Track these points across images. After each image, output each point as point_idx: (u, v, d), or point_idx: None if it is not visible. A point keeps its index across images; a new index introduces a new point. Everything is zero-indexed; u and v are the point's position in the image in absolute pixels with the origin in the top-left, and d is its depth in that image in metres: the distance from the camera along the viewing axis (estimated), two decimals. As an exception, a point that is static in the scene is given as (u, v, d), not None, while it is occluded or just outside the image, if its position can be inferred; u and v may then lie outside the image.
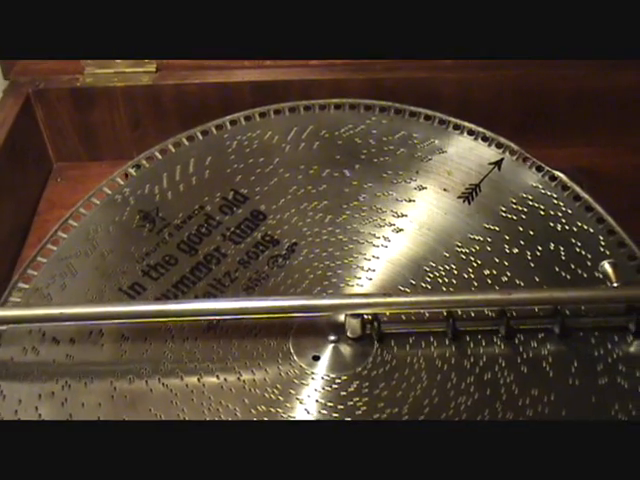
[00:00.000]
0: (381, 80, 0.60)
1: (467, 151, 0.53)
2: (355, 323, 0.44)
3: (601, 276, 0.46)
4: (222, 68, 0.61)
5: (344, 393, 0.43)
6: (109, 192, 0.51)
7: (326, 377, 0.43)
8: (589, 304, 0.45)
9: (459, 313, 0.45)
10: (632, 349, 0.44)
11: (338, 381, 0.43)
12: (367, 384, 0.43)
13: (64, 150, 0.64)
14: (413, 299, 0.45)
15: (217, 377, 0.43)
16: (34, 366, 0.44)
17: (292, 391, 0.43)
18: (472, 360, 0.44)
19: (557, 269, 0.47)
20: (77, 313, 0.43)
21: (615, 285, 0.45)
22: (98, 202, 0.51)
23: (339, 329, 0.45)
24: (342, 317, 0.45)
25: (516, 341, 0.44)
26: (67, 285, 0.47)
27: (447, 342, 0.44)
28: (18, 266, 0.53)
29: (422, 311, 0.45)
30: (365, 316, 0.45)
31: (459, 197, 0.51)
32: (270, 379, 0.43)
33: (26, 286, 0.47)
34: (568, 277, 0.47)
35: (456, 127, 0.54)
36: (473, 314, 0.45)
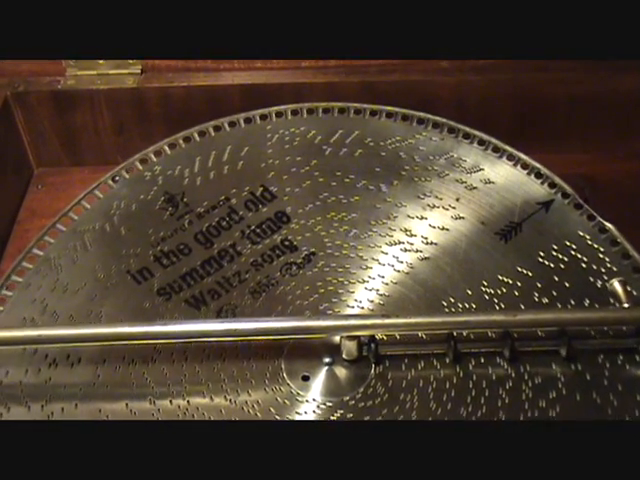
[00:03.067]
0: (375, 83, 0.57)
1: (516, 186, 0.49)
2: (351, 345, 0.42)
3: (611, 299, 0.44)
4: (210, 70, 0.58)
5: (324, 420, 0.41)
6: (140, 168, 0.51)
7: (312, 400, 0.42)
8: (597, 326, 0.43)
9: (463, 334, 0.43)
10: None
11: (322, 407, 0.42)
12: (351, 415, 0.41)
13: (45, 155, 0.61)
14: (412, 320, 0.42)
15: (201, 382, 0.42)
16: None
17: (272, 410, 0.41)
18: (470, 408, 0.41)
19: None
20: (56, 335, 0.41)
21: (626, 306, 0.43)
22: (127, 176, 0.50)
23: (334, 350, 0.43)
24: (338, 338, 0.43)
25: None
26: (78, 259, 0.47)
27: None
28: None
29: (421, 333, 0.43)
30: (362, 337, 0.42)
31: (496, 233, 0.48)
32: (254, 396, 0.42)
33: (40, 253, 0.47)
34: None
35: (510, 157, 0.50)
36: (472, 336, 0.43)
